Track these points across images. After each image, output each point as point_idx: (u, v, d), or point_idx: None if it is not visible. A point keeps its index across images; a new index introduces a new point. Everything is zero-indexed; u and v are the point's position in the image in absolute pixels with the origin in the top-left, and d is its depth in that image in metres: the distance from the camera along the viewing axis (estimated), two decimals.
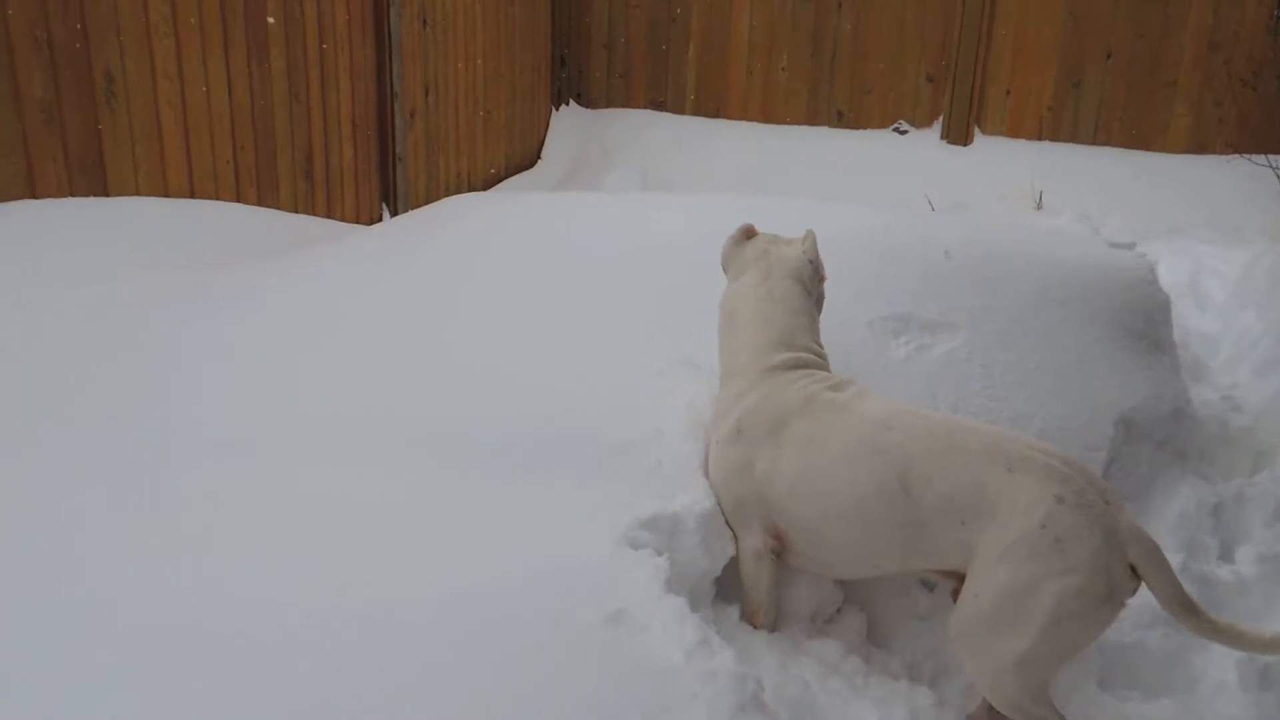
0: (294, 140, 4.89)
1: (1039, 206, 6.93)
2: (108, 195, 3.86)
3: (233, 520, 2.20)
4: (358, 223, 5.39)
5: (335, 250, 3.72)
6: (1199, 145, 7.13)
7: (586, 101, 8.35)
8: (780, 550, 2.35)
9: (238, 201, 4.51)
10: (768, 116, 7.93)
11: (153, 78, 4.00)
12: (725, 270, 2.58)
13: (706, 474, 2.40)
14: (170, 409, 2.61)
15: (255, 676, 1.79)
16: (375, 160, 5.64)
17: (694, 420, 2.52)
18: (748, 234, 2.60)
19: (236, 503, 2.26)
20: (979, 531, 2.07)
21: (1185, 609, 1.99)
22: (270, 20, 4.59)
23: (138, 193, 3.98)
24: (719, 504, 2.36)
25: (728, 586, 2.41)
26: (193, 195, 4.27)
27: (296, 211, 4.94)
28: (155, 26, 3.97)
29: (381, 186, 5.75)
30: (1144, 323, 3.12)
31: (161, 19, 3.99)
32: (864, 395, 2.33)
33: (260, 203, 4.67)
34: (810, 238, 2.56)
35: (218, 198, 4.41)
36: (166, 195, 4.12)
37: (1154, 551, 2.02)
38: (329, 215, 5.22)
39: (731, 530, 2.37)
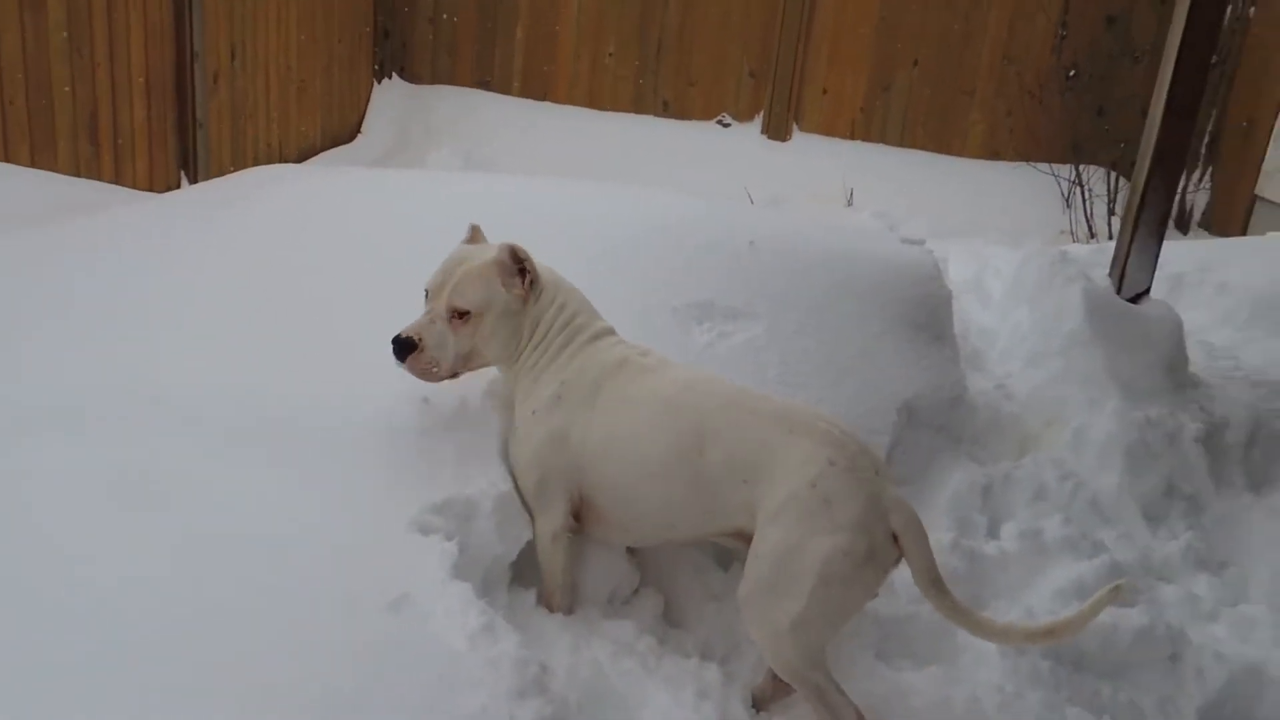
0: (76, 97, 4.50)
1: (850, 203, 7.26)
2: None
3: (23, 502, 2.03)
4: (151, 190, 5.02)
5: (120, 218, 3.46)
6: (992, 152, 7.66)
7: (410, 76, 8.11)
8: (581, 526, 2.37)
9: (5, 161, 4.11)
10: (595, 102, 7.95)
11: None
12: (534, 288, 2.39)
13: (506, 457, 2.38)
14: None
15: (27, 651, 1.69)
16: (172, 123, 5.28)
17: (493, 403, 2.49)
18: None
19: (30, 482, 2.09)
20: (761, 491, 2.16)
21: (934, 585, 2.12)
22: None
23: None
24: (518, 485, 2.35)
25: (525, 571, 2.40)
26: None
27: (79, 175, 4.55)
28: None
29: (179, 152, 5.39)
30: (928, 316, 3.32)
31: None
32: (669, 362, 2.42)
33: (33, 164, 4.27)
34: (478, 229, 2.48)
35: None
36: None
37: (915, 523, 2.15)
38: (117, 180, 4.85)
39: (529, 514, 2.36)
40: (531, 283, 2.34)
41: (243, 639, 1.82)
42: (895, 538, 2.12)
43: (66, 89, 4.42)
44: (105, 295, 2.86)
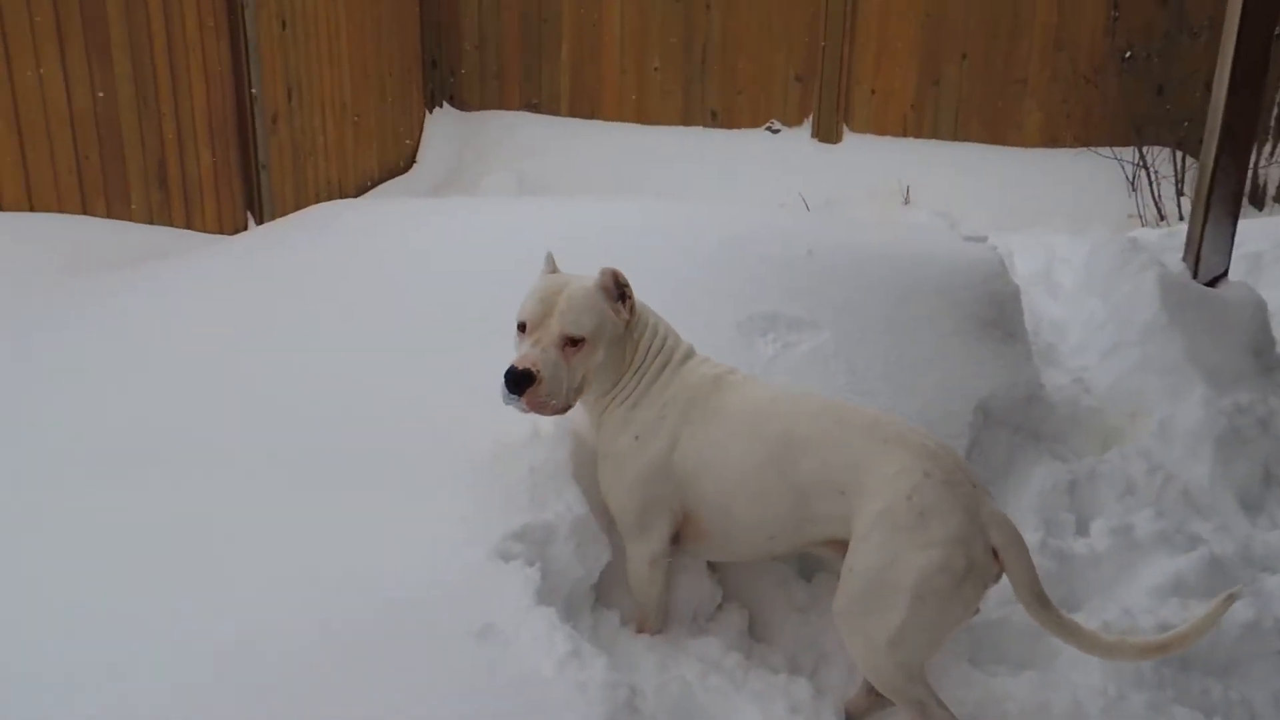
0: (145, 147, 4.65)
1: (907, 201, 7.17)
2: None
3: (91, 543, 2.09)
4: (220, 233, 5.17)
5: (189, 261, 3.55)
6: (1050, 139, 7.50)
7: (460, 104, 8.23)
8: (679, 545, 2.36)
9: (84, 214, 4.26)
10: (643, 117, 7.98)
11: None
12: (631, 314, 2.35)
13: (602, 486, 2.35)
14: (19, 429, 2.45)
15: (123, 703, 1.72)
16: (237, 167, 5.43)
17: (565, 426, 2.49)
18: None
19: (96, 523, 2.15)
20: (855, 501, 2.13)
21: (1038, 600, 2.06)
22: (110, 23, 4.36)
23: None
24: (616, 510, 2.33)
25: (606, 593, 2.40)
26: (31, 208, 4.01)
27: (151, 222, 4.70)
28: None
29: (245, 194, 5.53)
30: (997, 313, 3.25)
31: None
32: (758, 379, 2.44)
33: (109, 214, 4.42)
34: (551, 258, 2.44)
35: (61, 210, 4.16)
36: (0, 209, 3.86)
37: (1015, 538, 2.10)
38: (188, 226, 4.99)
39: (623, 538, 2.35)
40: (632, 307, 2.30)
41: (330, 674, 1.83)
42: (995, 553, 2.07)
43: (136, 140, 4.57)
44: (178, 336, 2.94)
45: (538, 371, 2.14)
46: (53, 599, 1.99)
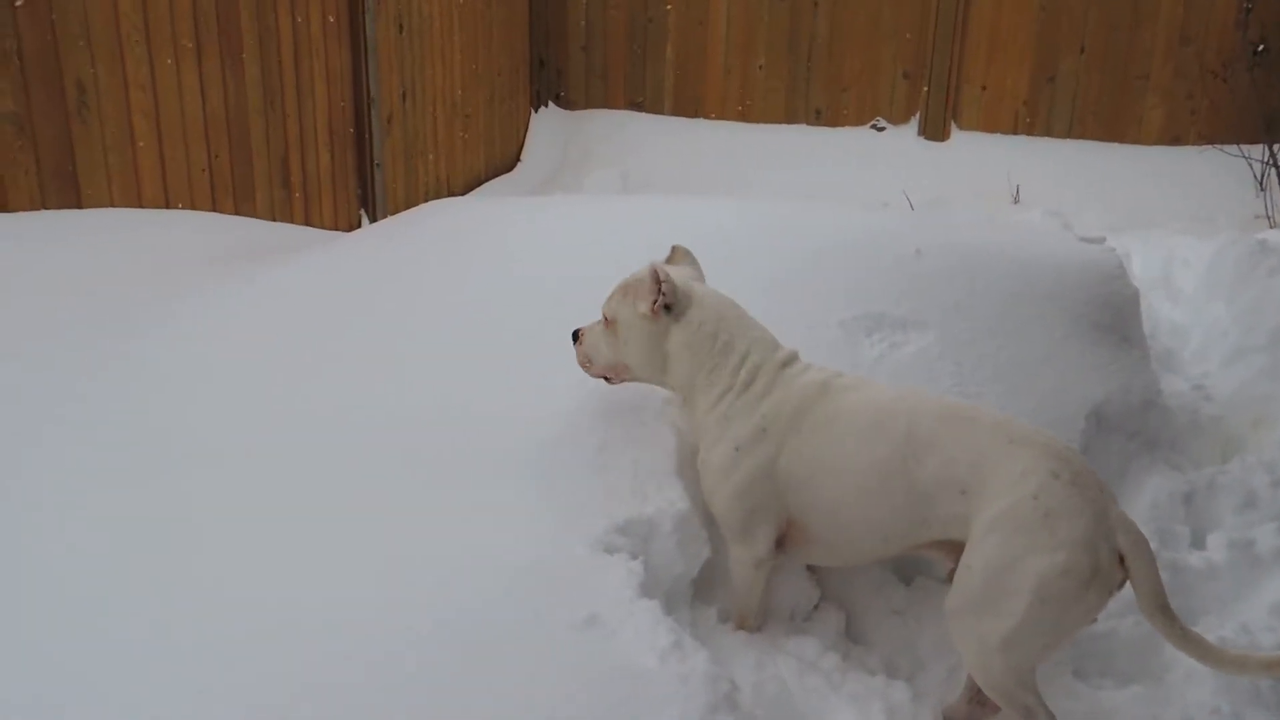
0: (270, 147, 4.88)
1: (1016, 201, 6.98)
2: (81, 207, 3.85)
3: (215, 530, 2.21)
4: (336, 229, 5.38)
5: (309, 258, 3.72)
6: (1172, 137, 7.19)
7: (566, 103, 8.35)
8: (783, 550, 2.36)
9: (214, 211, 4.50)
10: (747, 116, 7.96)
11: (125, 87, 3.99)
12: (671, 309, 2.38)
13: (703, 490, 2.37)
14: (147, 418, 2.61)
15: (246, 674, 1.81)
16: (353, 166, 5.64)
17: (669, 421, 2.53)
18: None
19: (219, 511, 2.26)
20: (977, 501, 2.10)
21: (1161, 611, 2.00)
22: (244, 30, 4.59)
23: (112, 204, 3.97)
24: (720, 516, 2.35)
25: (705, 588, 2.43)
26: (168, 205, 4.26)
27: (274, 219, 4.93)
28: (126, 36, 3.96)
29: (360, 193, 5.74)
30: (1113, 316, 3.16)
31: (133, 28, 3.98)
32: (870, 380, 2.42)
33: (237, 211, 4.66)
34: (685, 250, 2.58)
35: (193, 207, 4.40)
36: (141, 206, 4.11)
37: (1143, 545, 2.04)
38: (307, 223, 5.21)
39: (716, 539, 2.37)
40: (667, 306, 2.35)
41: (440, 662, 1.89)
42: (1121, 559, 2.02)
43: (262, 141, 4.81)
44: (292, 329, 3.07)
45: (581, 334, 2.48)
46: (185, 581, 2.11)
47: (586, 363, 2.48)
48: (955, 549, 2.21)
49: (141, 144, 4.09)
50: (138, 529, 2.21)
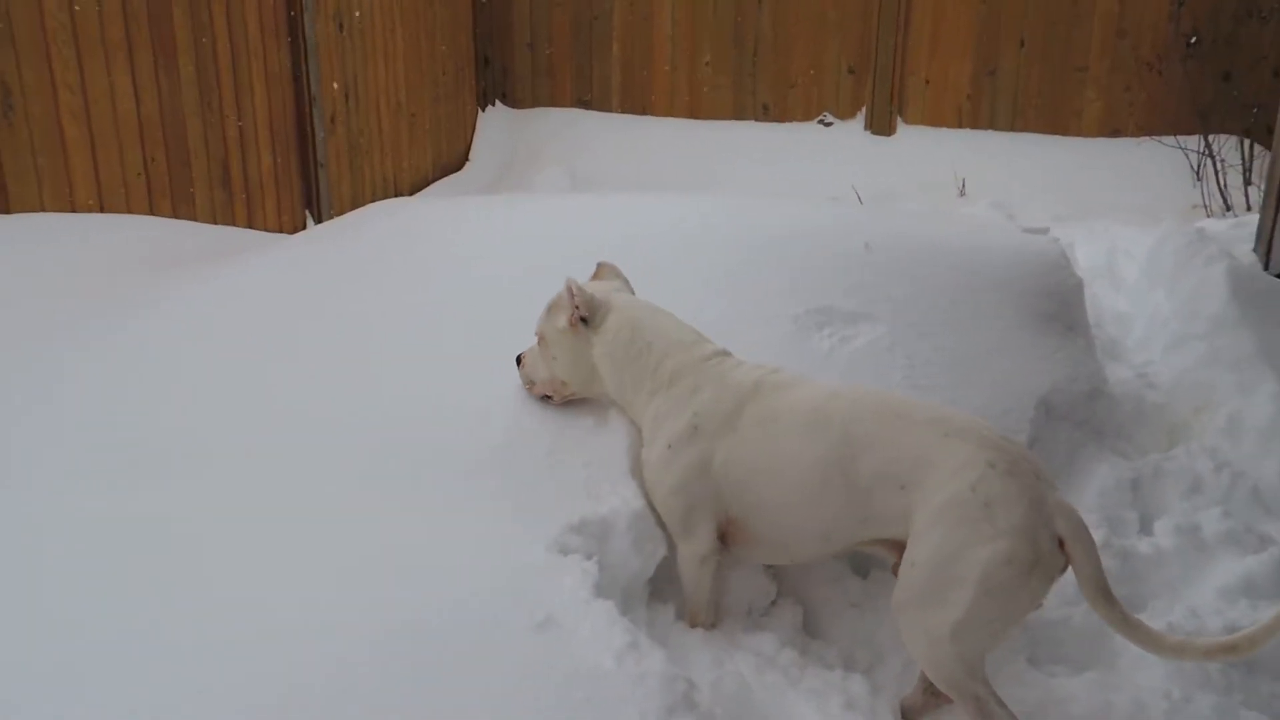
0: (209, 149, 4.76)
1: (962, 194, 7.07)
2: (9, 212, 3.72)
3: (163, 539, 2.15)
4: (280, 232, 5.27)
5: (259, 260, 3.63)
6: (1112, 129, 7.33)
7: (513, 101, 8.29)
8: (726, 547, 2.36)
9: (151, 214, 4.38)
10: (694, 112, 7.96)
11: (53, 88, 3.86)
12: (588, 321, 2.46)
13: (645, 488, 2.37)
14: (84, 427, 2.53)
15: (191, 682, 1.77)
16: (296, 167, 5.53)
17: (623, 423, 2.51)
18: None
19: (166, 521, 2.20)
20: (916, 496, 2.11)
21: (1103, 596, 2.02)
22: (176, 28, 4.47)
23: (42, 208, 3.85)
24: (661, 513, 2.35)
25: (662, 586, 2.41)
26: (102, 209, 4.14)
27: (215, 222, 4.82)
28: (53, 35, 3.83)
29: (304, 194, 5.64)
30: (1058, 306, 3.20)
31: (59, 27, 3.86)
32: (803, 378, 2.41)
33: (175, 215, 4.54)
34: (611, 266, 2.64)
35: (129, 211, 4.28)
36: (74, 210, 3.99)
37: (1081, 529, 2.06)
38: (249, 225, 5.10)
39: (672, 540, 2.36)
40: (584, 319, 2.45)
41: (388, 666, 1.86)
42: (1061, 544, 2.04)
43: (200, 142, 4.69)
44: (236, 331, 3.00)
45: (522, 357, 2.57)
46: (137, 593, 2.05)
47: (529, 385, 2.56)
48: (898, 545, 2.22)
49: (72, 147, 3.97)
50: (101, 533, 2.15)
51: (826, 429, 2.22)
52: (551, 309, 2.50)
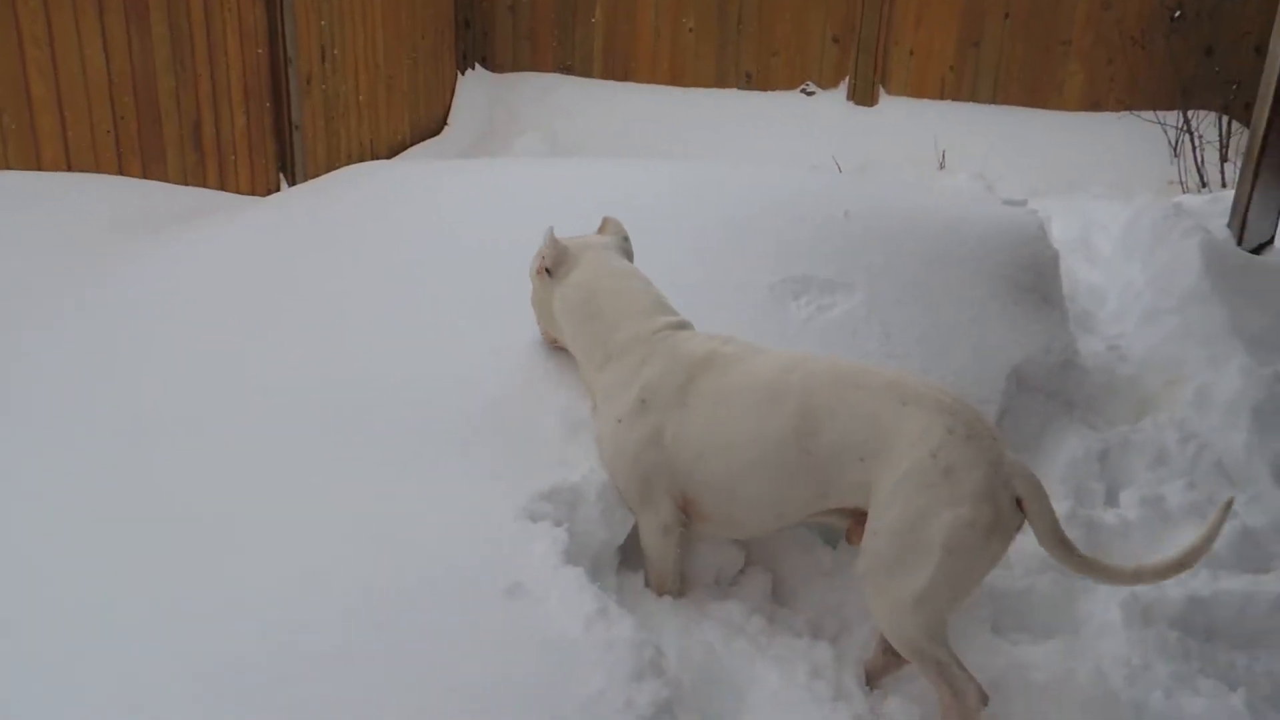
0: (180, 108, 4.68)
1: (942, 166, 7.06)
2: None
3: (133, 516, 2.13)
4: (253, 194, 5.20)
5: (234, 222, 3.58)
6: (1092, 103, 7.33)
7: (493, 65, 8.18)
8: (686, 522, 2.36)
9: (120, 174, 4.31)
10: (676, 79, 7.89)
11: (19, 44, 3.78)
12: (551, 272, 2.49)
13: (602, 459, 2.36)
14: (75, 399, 2.50)
15: (168, 654, 1.78)
16: (270, 128, 5.45)
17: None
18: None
19: (137, 499, 2.19)
20: (876, 466, 2.12)
21: (1060, 543, 2.07)
22: None
23: (7, 167, 3.77)
24: (619, 487, 2.33)
25: (632, 554, 2.42)
26: (69, 169, 4.06)
27: (186, 184, 4.74)
28: None
29: (278, 156, 5.56)
30: (1034, 277, 3.21)
31: None
32: (757, 347, 2.38)
33: (145, 175, 4.47)
34: (615, 222, 2.65)
35: (98, 171, 4.21)
36: (40, 169, 3.91)
37: (1037, 486, 2.09)
38: (221, 187, 5.03)
39: (631, 510, 2.36)
40: (548, 270, 2.49)
41: (357, 632, 1.86)
42: (1018, 503, 2.07)
43: (172, 101, 4.60)
44: (207, 299, 2.97)
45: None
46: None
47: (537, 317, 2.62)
48: (854, 514, 2.23)
49: (39, 104, 3.88)
50: (74, 515, 2.13)
51: (782, 404, 2.20)
52: (536, 254, 2.55)
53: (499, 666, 1.85)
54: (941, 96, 7.55)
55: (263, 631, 1.84)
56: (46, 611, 1.88)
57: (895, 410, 2.13)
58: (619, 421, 2.31)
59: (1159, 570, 2.12)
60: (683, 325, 2.42)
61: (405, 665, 1.83)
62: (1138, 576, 2.16)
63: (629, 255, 2.60)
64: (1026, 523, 2.11)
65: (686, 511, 2.35)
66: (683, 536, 2.37)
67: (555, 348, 2.59)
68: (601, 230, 2.63)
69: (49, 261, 3.20)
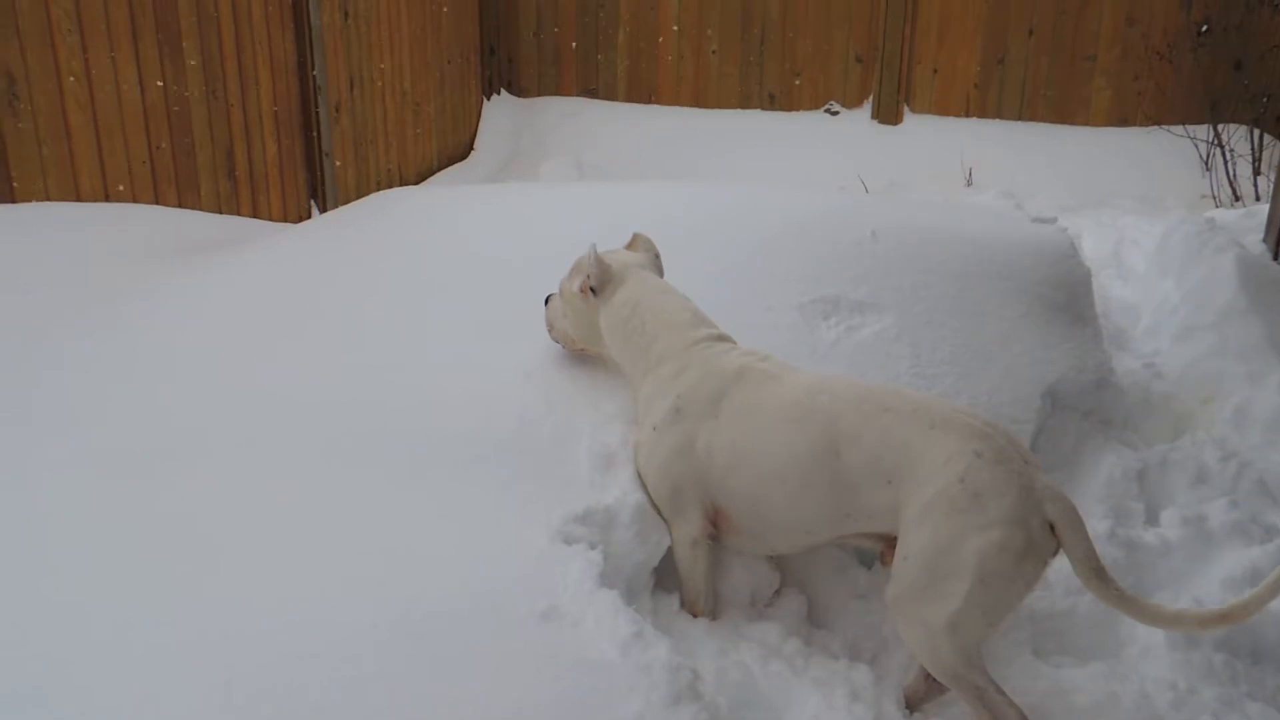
0: (213, 137, 4.76)
1: (969, 183, 7.03)
2: (14, 201, 3.72)
3: (165, 532, 2.14)
4: (285, 221, 5.27)
5: (265, 249, 3.63)
6: (1120, 118, 7.29)
7: (518, 90, 8.26)
8: (716, 534, 2.36)
9: (156, 203, 4.38)
10: (700, 101, 7.93)
11: (58, 77, 3.86)
12: (596, 291, 2.52)
13: (636, 468, 2.38)
14: (90, 419, 2.52)
15: (201, 678, 1.77)
16: (301, 156, 5.52)
17: (620, 412, 2.50)
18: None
19: (169, 516, 2.20)
20: (904, 490, 2.10)
21: (1096, 574, 2.03)
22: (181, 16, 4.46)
23: (47, 198, 3.85)
24: (651, 495, 2.35)
25: (666, 576, 2.41)
26: (107, 198, 4.14)
27: (220, 212, 4.81)
28: (57, 23, 3.82)
29: (309, 183, 5.63)
30: (1066, 296, 3.18)
31: (64, 14, 3.85)
32: (791, 366, 2.40)
33: (180, 204, 4.54)
34: (645, 238, 2.69)
35: (134, 200, 4.28)
36: (79, 199, 3.99)
37: (1071, 511, 2.06)
38: (254, 214, 5.10)
39: (664, 520, 2.36)
40: (593, 288, 2.51)
41: (394, 658, 1.86)
42: (1051, 528, 2.04)
43: (205, 131, 4.68)
44: (237, 324, 2.99)
45: (551, 298, 2.67)
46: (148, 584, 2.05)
47: (549, 327, 2.65)
48: (885, 538, 2.21)
49: (77, 135, 3.96)
50: (103, 528, 2.15)
51: (810, 424, 2.21)
52: (573, 270, 2.57)
53: (534, 690, 1.84)
54: (967, 114, 7.54)
55: (296, 655, 1.84)
56: (60, 631, 1.88)
57: (923, 434, 2.11)
58: (654, 429, 2.35)
59: (1203, 619, 2.02)
60: (722, 338, 2.46)
61: (440, 689, 1.82)
62: (1177, 620, 2.07)
63: (659, 271, 2.64)
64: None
65: (717, 524, 2.35)
66: (715, 553, 2.36)
67: (574, 351, 2.65)
68: (631, 246, 2.67)
69: (85, 289, 3.25)
